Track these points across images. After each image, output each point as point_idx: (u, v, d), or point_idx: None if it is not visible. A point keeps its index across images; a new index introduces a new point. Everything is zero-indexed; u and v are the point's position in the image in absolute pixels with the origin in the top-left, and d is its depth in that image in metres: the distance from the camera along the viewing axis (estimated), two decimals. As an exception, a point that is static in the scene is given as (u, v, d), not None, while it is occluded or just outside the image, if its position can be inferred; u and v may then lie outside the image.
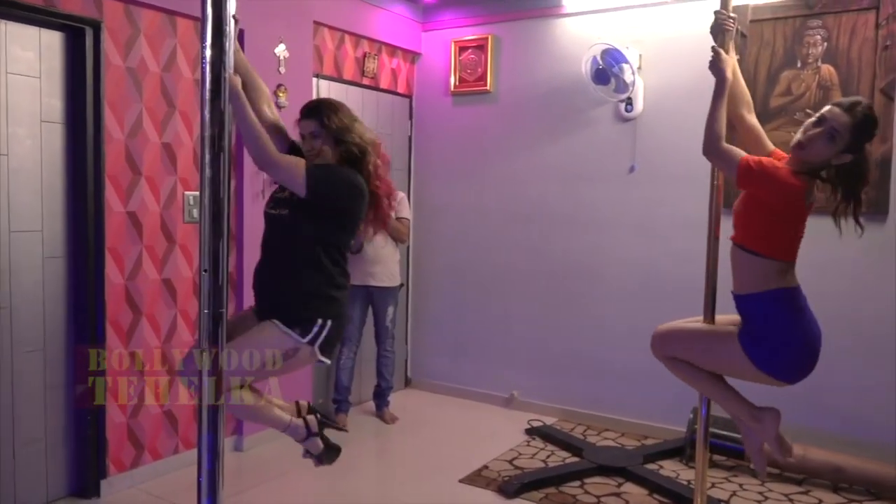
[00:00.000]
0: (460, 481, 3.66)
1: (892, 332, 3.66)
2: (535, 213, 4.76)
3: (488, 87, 4.88)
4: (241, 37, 3.53)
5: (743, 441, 2.45)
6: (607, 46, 4.21)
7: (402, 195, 4.44)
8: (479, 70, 4.91)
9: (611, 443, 4.25)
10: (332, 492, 3.54)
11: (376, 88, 4.89)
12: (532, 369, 4.80)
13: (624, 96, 4.30)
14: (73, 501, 3.30)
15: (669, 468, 3.86)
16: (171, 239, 3.61)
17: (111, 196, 3.34)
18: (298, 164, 2.28)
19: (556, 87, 4.64)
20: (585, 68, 4.30)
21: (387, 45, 4.94)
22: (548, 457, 4.02)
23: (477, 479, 3.69)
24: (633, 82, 4.23)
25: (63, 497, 3.30)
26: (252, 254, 2.37)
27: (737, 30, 2.43)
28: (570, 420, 4.60)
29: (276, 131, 2.44)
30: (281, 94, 4.00)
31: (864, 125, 2.15)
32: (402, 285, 4.74)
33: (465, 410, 4.85)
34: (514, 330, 4.86)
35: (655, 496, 3.50)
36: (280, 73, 4.00)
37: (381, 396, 4.63)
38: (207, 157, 1.18)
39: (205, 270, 1.18)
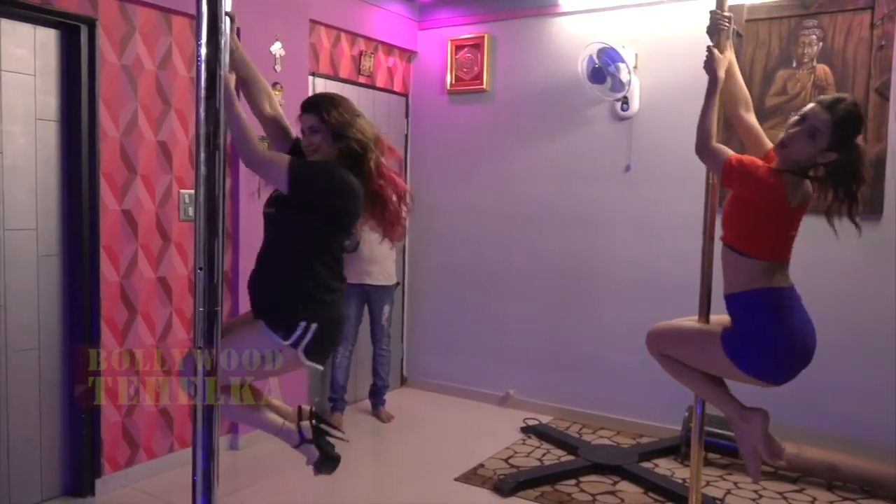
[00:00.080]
0: (456, 480, 3.66)
1: (888, 331, 3.67)
2: (532, 211, 4.76)
3: (484, 86, 4.88)
4: (237, 35, 3.52)
5: (736, 442, 2.45)
6: (603, 45, 4.21)
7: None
8: (476, 69, 4.90)
9: (606, 441, 4.26)
10: (328, 490, 3.53)
11: (372, 87, 4.89)
12: (528, 368, 4.80)
13: (620, 95, 4.30)
14: (68, 500, 3.30)
15: (665, 466, 3.87)
16: (167, 237, 3.60)
17: (106, 194, 3.33)
18: (281, 160, 2.20)
19: (552, 86, 4.64)
20: (581, 67, 4.30)
21: (383, 43, 4.93)
22: (543, 455, 4.02)
23: (473, 477, 3.69)
24: (629, 81, 4.23)
25: (58, 496, 3.29)
26: (248, 252, 2.36)
27: (733, 30, 2.43)
28: (565, 419, 4.61)
29: (278, 128, 2.38)
30: (277, 93, 4.00)
31: (845, 123, 2.13)
32: (398, 284, 4.74)
33: (460, 409, 4.85)
34: (510, 329, 4.87)
35: (650, 494, 3.50)
36: (276, 71, 3.99)
37: (377, 395, 4.63)
38: (203, 155, 1.18)
39: (200, 269, 1.18)
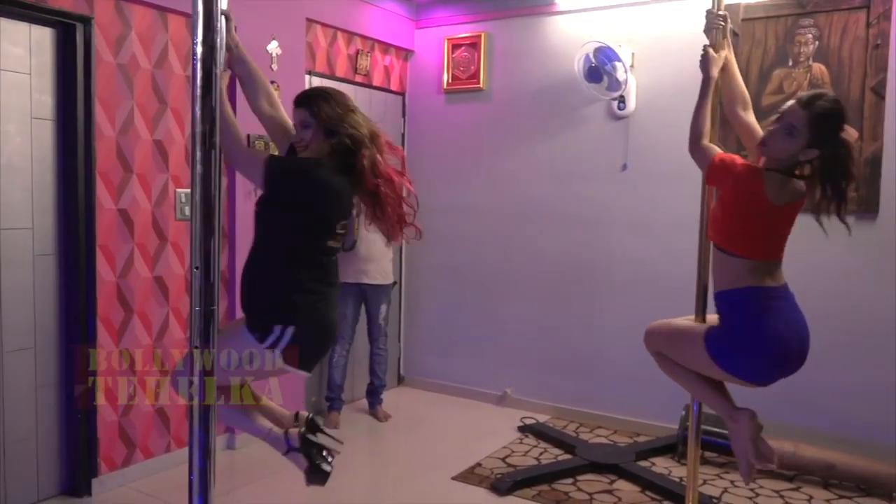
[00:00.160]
0: (453, 479, 3.66)
1: (884, 330, 3.68)
2: (528, 210, 4.76)
3: (481, 85, 4.88)
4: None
5: (730, 441, 2.43)
6: (600, 44, 4.21)
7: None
8: (472, 68, 4.90)
9: (603, 440, 4.26)
10: (325, 490, 3.50)
11: (369, 86, 4.88)
12: (525, 367, 4.80)
13: (616, 94, 4.30)
14: (65, 500, 3.29)
15: (661, 465, 3.87)
16: (163, 236, 3.59)
17: (102, 193, 3.32)
18: (259, 156, 2.17)
19: (548, 84, 4.64)
20: (578, 66, 4.30)
21: (380, 42, 4.93)
22: (540, 454, 4.02)
23: (470, 476, 3.69)
24: (626, 80, 4.23)
25: (54, 496, 3.28)
26: (244, 251, 2.35)
27: (730, 28, 2.44)
28: (562, 417, 4.61)
29: (278, 127, 2.34)
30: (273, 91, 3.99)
31: (823, 119, 2.09)
32: (395, 283, 4.74)
33: (458, 408, 4.85)
34: (507, 328, 4.87)
35: (647, 493, 3.51)
36: (272, 69, 3.98)
37: (374, 394, 4.63)
38: (199, 154, 1.18)
39: (196, 268, 1.18)
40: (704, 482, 3.58)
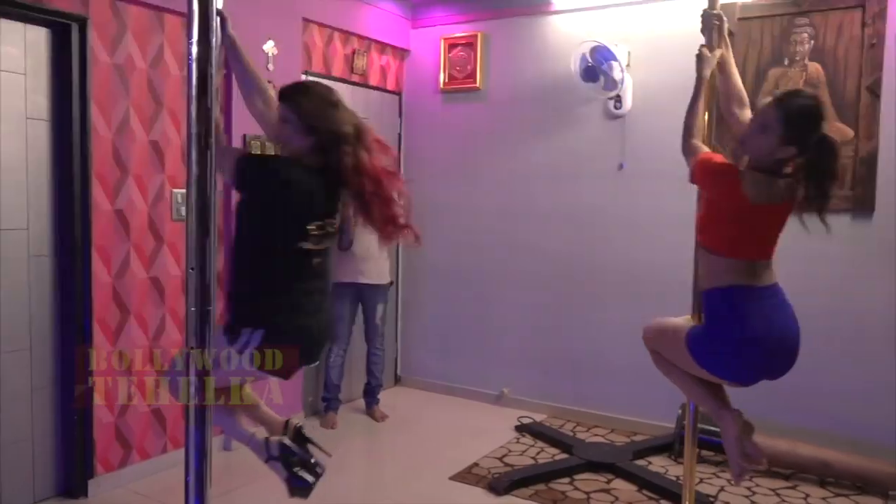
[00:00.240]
0: (450, 479, 3.66)
1: (880, 329, 3.69)
2: (525, 210, 4.76)
3: (478, 85, 4.88)
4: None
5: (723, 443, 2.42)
6: (596, 44, 4.21)
7: (391, 193, 4.42)
8: (469, 67, 4.90)
9: (600, 439, 4.26)
10: (322, 490, 3.50)
11: (365, 85, 4.88)
12: (522, 367, 4.81)
13: (613, 94, 4.30)
14: (61, 501, 3.28)
15: (658, 464, 3.88)
16: (159, 237, 3.58)
17: (98, 194, 3.31)
18: (234, 152, 2.12)
19: (545, 84, 4.64)
20: (574, 66, 4.30)
21: (376, 42, 4.92)
22: (538, 454, 4.03)
23: (467, 476, 3.69)
24: (622, 80, 4.24)
25: (50, 497, 3.27)
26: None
27: (726, 28, 2.44)
28: (559, 417, 4.62)
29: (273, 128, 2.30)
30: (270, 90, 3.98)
31: (797, 117, 2.07)
32: (391, 283, 4.73)
33: (455, 408, 4.85)
34: (504, 327, 4.87)
35: (644, 492, 3.51)
36: (269, 69, 3.98)
37: (370, 394, 4.63)
38: (194, 154, 1.18)
39: (192, 268, 1.18)
40: (701, 481, 3.59)
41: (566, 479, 3.64)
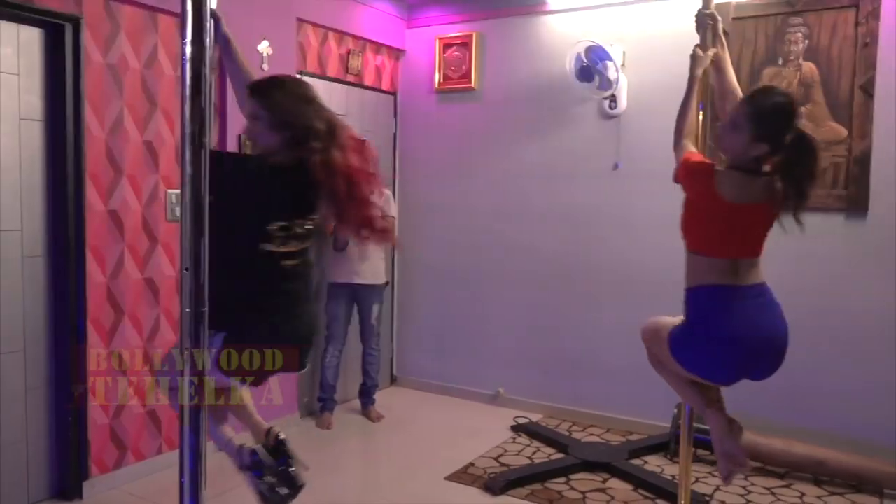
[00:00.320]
0: (446, 479, 3.66)
1: (875, 329, 3.69)
2: (520, 210, 4.76)
3: (473, 85, 4.88)
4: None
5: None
6: (591, 44, 4.22)
7: (387, 193, 4.43)
8: (464, 67, 4.90)
9: (596, 439, 4.27)
10: (318, 490, 3.52)
11: (360, 86, 4.87)
12: (517, 366, 4.81)
13: (608, 93, 4.31)
14: (56, 503, 3.27)
15: (654, 463, 3.88)
16: (154, 237, 3.57)
17: (92, 194, 3.30)
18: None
19: (540, 84, 4.64)
20: (569, 65, 4.30)
21: (371, 42, 4.92)
22: (533, 453, 4.03)
23: (463, 476, 3.69)
24: (617, 79, 4.24)
25: (45, 499, 3.26)
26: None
27: (721, 27, 2.45)
28: (555, 417, 4.62)
29: None
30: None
31: (766, 113, 2.04)
32: (387, 283, 4.73)
33: (450, 408, 4.85)
34: (499, 327, 4.87)
35: (640, 491, 3.52)
36: (263, 70, 3.97)
37: (366, 395, 4.63)
38: (188, 154, 1.18)
39: (186, 269, 1.18)
40: (697, 480, 3.59)
41: (562, 479, 3.65)
